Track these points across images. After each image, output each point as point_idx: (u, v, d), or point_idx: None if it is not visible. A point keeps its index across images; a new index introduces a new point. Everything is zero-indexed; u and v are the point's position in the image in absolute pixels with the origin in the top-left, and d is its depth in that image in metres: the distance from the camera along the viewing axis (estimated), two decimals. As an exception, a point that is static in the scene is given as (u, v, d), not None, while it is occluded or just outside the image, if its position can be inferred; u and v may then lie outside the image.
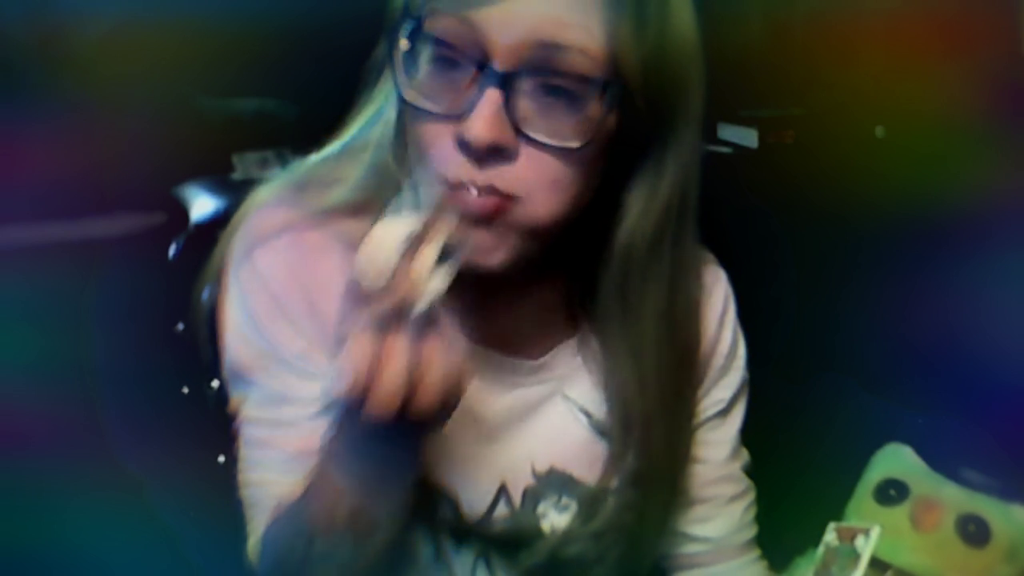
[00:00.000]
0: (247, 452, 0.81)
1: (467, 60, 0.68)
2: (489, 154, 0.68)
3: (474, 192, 0.68)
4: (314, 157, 0.84)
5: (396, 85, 0.71)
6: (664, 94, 0.72)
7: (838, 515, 1.21)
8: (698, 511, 0.91)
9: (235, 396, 0.82)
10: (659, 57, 0.70)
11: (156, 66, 1.58)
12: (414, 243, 0.60)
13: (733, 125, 1.86)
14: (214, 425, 0.88)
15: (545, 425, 0.84)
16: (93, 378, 0.96)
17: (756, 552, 0.94)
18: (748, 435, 0.94)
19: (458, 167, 0.68)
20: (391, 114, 0.78)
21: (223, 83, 1.66)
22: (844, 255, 1.56)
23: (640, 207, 0.75)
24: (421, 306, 0.60)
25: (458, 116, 0.68)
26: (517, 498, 0.84)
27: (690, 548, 0.92)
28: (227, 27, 1.54)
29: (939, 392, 1.33)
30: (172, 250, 0.98)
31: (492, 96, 0.67)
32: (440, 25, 0.68)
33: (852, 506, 1.22)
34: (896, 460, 1.23)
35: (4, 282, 1.27)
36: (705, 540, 0.92)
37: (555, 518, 0.85)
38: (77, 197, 1.46)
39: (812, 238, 1.53)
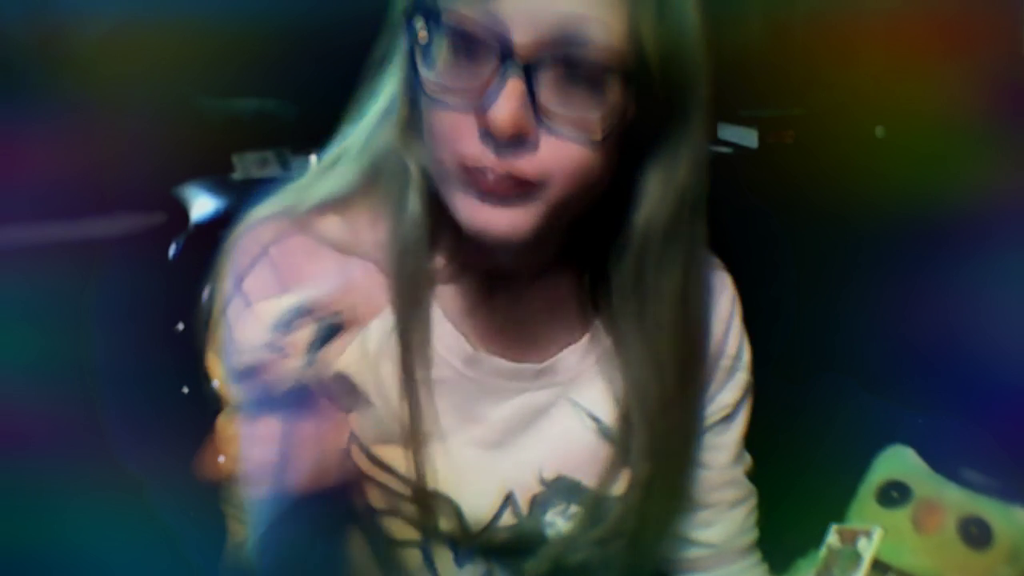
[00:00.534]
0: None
1: (489, 51, 0.68)
2: (511, 142, 0.68)
3: (491, 177, 0.69)
4: (313, 163, 0.84)
5: (415, 77, 0.72)
6: (681, 83, 0.72)
7: (838, 516, 1.21)
8: (701, 516, 0.91)
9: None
10: (678, 47, 0.71)
11: (156, 66, 1.58)
12: (295, 320, 0.61)
13: (733, 125, 1.86)
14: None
15: (552, 431, 0.84)
16: (93, 378, 0.96)
17: (758, 555, 0.94)
18: (748, 436, 0.94)
19: (479, 154, 0.69)
20: (396, 106, 0.78)
21: (223, 83, 1.66)
22: (844, 255, 1.56)
23: (658, 193, 0.75)
24: (291, 383, 0.60)
25: (480, 106, 0.68)
26: (525, 506, 0.84)
27: (692, 552, 0.92)
28: (227, 27, 1.54)
29: (939, 392, 1.33)
30: (172, 250, 0.98)
31: (515, 86, 0.67)
32: (461, 17, 0.69)
33: (854, 508, 1.22)
34: (898, 462, 1.23)
35: (4, 282, 1.27)
36: (707, 544, 0.92)
37: (562, 525, 0.85)
38: (77, 197, 1.45)
39: (812, 238, 1.52)
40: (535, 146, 0.69)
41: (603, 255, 0.80)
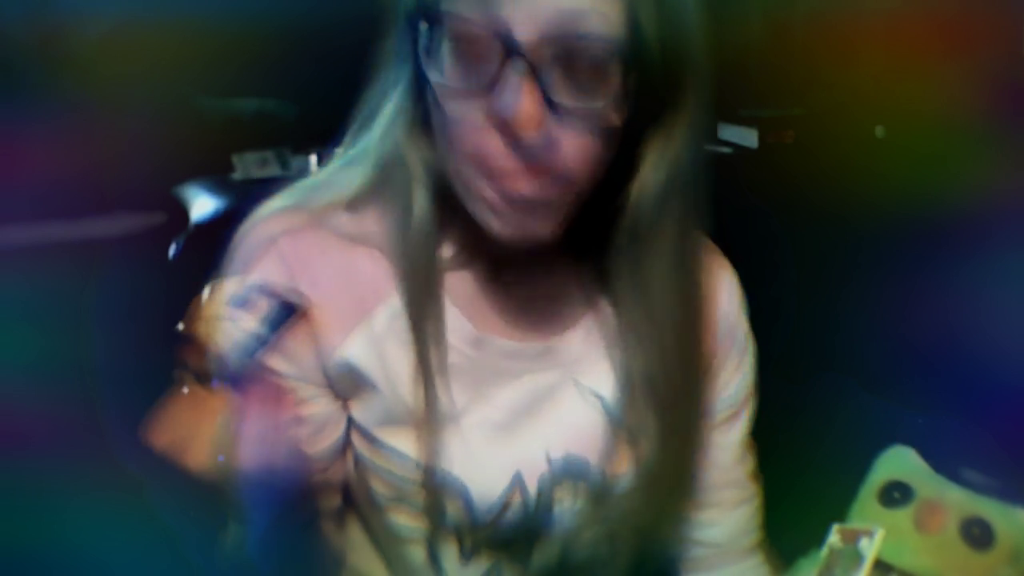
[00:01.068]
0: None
1: (493, 51, 0.69)
2: (533, 140, 0.70)
3: (521, 183, 0.71)
4: (313, 163, 0.85)
5: (421, 80, 0.73)
6: (681, 66, 0.73)
7: (839, 516, 1.21)
8: (704, 515, 0.91)
9: None
10: (676, 39, 0.72)
11: (156, 66, 1.58)
12: (252, 297, 0.63)
13: (733, 125, 1.86)
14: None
15: (558, 412, 0.84)
16: (93, 378, 0.96)
17: (760, 555, 0.94)
18: (750, 436, 0.94)
19: (497, 155, 0.71)
20: (403, 107, 0.78)
21: (223, 83, 1.66)
22: (844, 255, 1.56)
23: (651, 163, 0.76)
24: (239, 357, 0.62)
25: (494, 109, 0.69)
26: (533, 487, 0.84)
27: (695, 552, 0.92)
28: (227, 27, 1.54)
29: (941, 393, 1.33)
30: (172, 250, 0.98)
31: (526, 84, 0.68)
32: (463, 19, 0.69)
33: (856, 508, 1.21)
34: (900, 462, 1.23)
35: (4, 282, 1.27)
36: (710, 545, 0.92)
37: (569, 508, 0.85)
38: (77, 197, 1.46)
39: (812, 238, 1.52)
40: (556, 141, 0.70)
41: (603, 234, 0.80)
